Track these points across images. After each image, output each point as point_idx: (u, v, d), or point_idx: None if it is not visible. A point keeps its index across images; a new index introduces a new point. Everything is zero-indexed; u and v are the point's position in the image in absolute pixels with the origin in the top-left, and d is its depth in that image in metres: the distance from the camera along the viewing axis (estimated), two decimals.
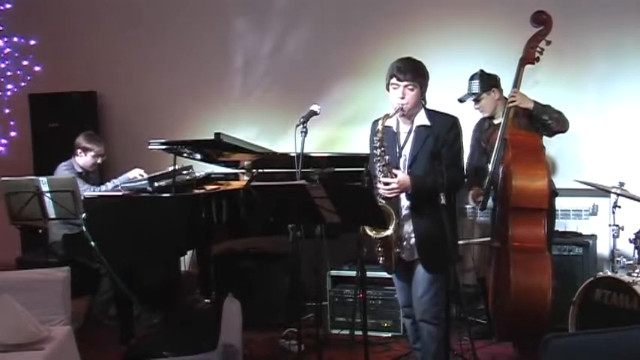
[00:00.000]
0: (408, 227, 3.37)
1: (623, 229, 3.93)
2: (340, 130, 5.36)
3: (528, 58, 4.09)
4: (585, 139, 4.77)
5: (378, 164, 3.31)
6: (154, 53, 6.01)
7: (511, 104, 4.08)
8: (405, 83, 3.27)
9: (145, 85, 6.02)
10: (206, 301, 4.97)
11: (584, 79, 4.83)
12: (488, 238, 4.29)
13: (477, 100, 4.30)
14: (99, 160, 5.00)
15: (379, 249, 3.38)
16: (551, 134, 4.16)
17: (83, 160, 4.95)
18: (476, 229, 5.03)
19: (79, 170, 4.94)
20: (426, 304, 3.38)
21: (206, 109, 5.85)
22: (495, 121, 4.31)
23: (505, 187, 3.98)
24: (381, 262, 3.43)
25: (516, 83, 4.11)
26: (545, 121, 4.08)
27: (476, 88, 4.27)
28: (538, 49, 4.07)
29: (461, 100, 4.32)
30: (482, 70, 4.32)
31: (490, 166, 4.13)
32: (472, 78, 4.32)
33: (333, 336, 4.63)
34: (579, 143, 4.76)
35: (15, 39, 5.75)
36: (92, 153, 4.94)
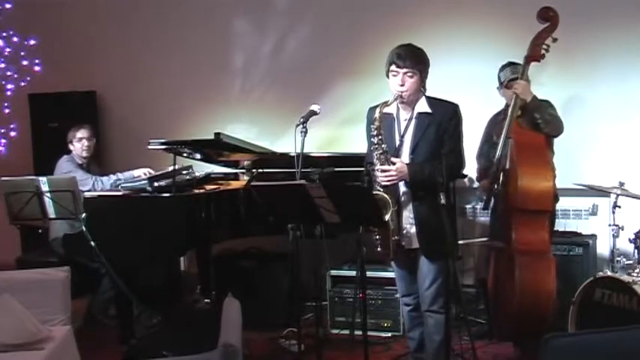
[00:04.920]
0: (408, 214, 3.37)
1: (623, 229, 3.92)
2: (340, 130, 5.36)
3: (534, 55, 4.00)
4: (585, 138, 4.77)
5: (376, 152, 3.31)
6: (153, 53, 6.01)
7: (514, 90, 4.00)
8: (405, 70, 3.27)
9: (145, 85, 6.03)
10: (206, 301, 4.97)
11: (584, 78, 4.83)
12: (486, 238, 4.28)
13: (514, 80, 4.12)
14: (87, 143, 5.00)
15: (377, 237, 3.38)
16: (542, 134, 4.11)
17: (75, 150, 5.00)
18: (476, 229, 5.03)
19: (80, 162, 4.99)
20: (433, 293, 3.39)
21: (206, 108, 5.85)
22: None
23: (509, 188, 3.93)
24: (379, 249, 3.41)
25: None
26: (536, 119, 4.01)
27: (517, 72, 4.13)
28: (544, 46, 3.99)
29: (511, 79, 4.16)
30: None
31: (494, 164, 4.09)
32: (513, 64, 4.20)
33: (333, 336, 4.62)
34: (579, 143, 4.76)
35: (15, 39, 5.75)
36: (75, 139, 4.99)
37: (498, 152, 4.02)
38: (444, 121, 3.31)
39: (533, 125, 4.04)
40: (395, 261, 3.53)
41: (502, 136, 4.00)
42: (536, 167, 3.90)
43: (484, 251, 4.52)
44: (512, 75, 4.19)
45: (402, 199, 3.38)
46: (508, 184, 3.96)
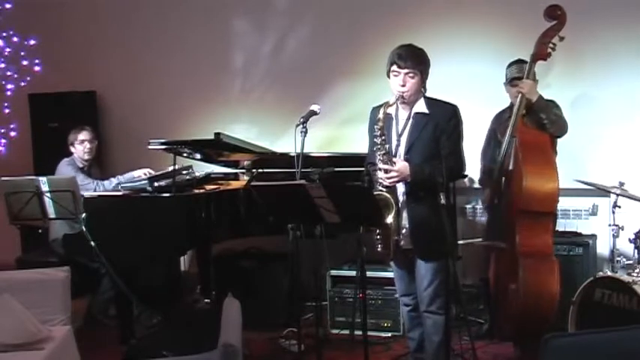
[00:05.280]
0: (407, 215, 3.37)
1: (623, 229, 3.92)
2: (340, 130, 5.36)
3: (540, 54, 3.98)
4: (587, 138, 4.76)
5: (379, 153, 3.31)
6: (153, 53, 6.01)
7: (520, 89, 4.00)
8: (406, 71, 3.28)
9: (145, 85, 6.02)
10: (206, 301, 4.97)
11: (589, 77, 4.83)
12: (479, 239, 4.26)
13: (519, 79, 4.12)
14: (89, 145, 4.97)
15: (378, 236, 3.38)
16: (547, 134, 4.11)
17: (77, 152, 4.98)
18: (476, 229, 5.02)
19: (81, 165, 4.97)
20: (431, 294, 3.40)
21: (206, 108, 5.85)
22: None
23: (514, 188, 3.92)
24: (379, 249, 3.41)
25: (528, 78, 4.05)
26: (542, 119, 4.01)
27: (522, 70, 4.12)
28: (551, 45, 3.97)
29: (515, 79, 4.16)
30: None
31: (498, 162, 4.07)
32: (521, 62, 4.17)
33: (333, 336, 4.62)
34: (580, 142, 4.76)
35: (15, 39, 5.75)
36: (77, 141, 4.96)
37: (502, 151, 4.01)
38: (442, 121, 3.31)
39: (539, 125, 4.04)
40: (394, 261, 3.53)
41: (507, 134, 4.00)
42: (542, 167, 3.87)
43: (482, 251, 4.51)
44: (517, 73, 4.18)
45: (402, 199, 3.38)
46: (512, 184, 3.94)
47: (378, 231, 3.36)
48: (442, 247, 3.30)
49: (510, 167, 3.98)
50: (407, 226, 3.39)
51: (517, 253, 3.87)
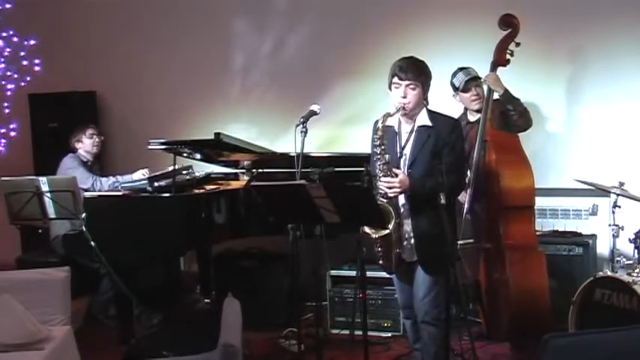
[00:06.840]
0: (408, 227, 3.37)
1: (623, 229, 3.92)
2: (340, 130, 5.36)
3: (500, 60, 4.15)
4: (585, 138, 4.77)
5: (378, 163, 3.31)
6: (153, 53, 6.01)
7: (486, 80, 4.12)
8: (407, 82, 3.27)
9: (145, 85, 6.03)
10: (206, 301, 4.97)
11: (580, 77, 4.82)
12: (471, 240, 4.29)
13: (476, 86, 4.25)
14: (97, 139, 5.10)
15: (379, 249, 3.37)
16: (513, 128, 4.16)
17: (84, 147, 5.06)
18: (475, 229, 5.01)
19: (84, 160, 5.04)
20: (426, 305, 3.38)
21: (206, 108, 5.85)
22: (471, 118, 4.31)
23: (492, 188, 4.01)
24: (380, 262, 3.42)
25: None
26: (510, 110, 4.11)
27: (475, 73, 4.26)
28: (508, 51, 4.13)
29: (461, 86, 4.26)
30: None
31: (472, 165, 4.11)
32: (464, 68, 4.29)
33: (333, 336, 4.62)
34: (579, 142, 4.76)
35: (15, 39, 5.76)
36: (85, 136, 5.07)
37: (475, 155, 4.06)
38: (443, 134, 3.30)
39: (505, 117, 4.14)
40: (396, 273, 3.53)
41: (477, 138, 4.08)
42: (517, 165, 4.01)
43: (473, 253, 4.51)
44: (466, 77, 4.26)
45: (402, 212, 3.37)
46: (490, 185, 4.03)
47: (378, 243, 3.35)
48: (443, 256, 3.27)
49: (485, 169, 4.05)
50: (408, 238, 3.38)
51: (503, 248, 3.95)
